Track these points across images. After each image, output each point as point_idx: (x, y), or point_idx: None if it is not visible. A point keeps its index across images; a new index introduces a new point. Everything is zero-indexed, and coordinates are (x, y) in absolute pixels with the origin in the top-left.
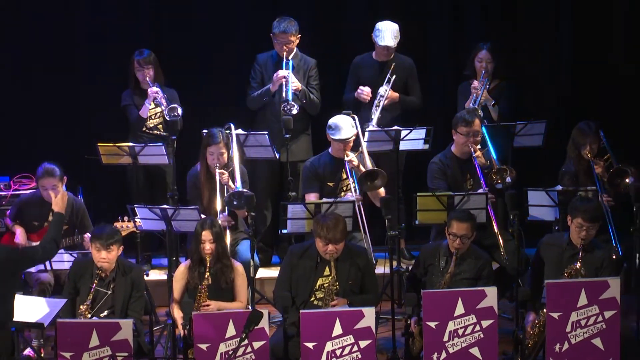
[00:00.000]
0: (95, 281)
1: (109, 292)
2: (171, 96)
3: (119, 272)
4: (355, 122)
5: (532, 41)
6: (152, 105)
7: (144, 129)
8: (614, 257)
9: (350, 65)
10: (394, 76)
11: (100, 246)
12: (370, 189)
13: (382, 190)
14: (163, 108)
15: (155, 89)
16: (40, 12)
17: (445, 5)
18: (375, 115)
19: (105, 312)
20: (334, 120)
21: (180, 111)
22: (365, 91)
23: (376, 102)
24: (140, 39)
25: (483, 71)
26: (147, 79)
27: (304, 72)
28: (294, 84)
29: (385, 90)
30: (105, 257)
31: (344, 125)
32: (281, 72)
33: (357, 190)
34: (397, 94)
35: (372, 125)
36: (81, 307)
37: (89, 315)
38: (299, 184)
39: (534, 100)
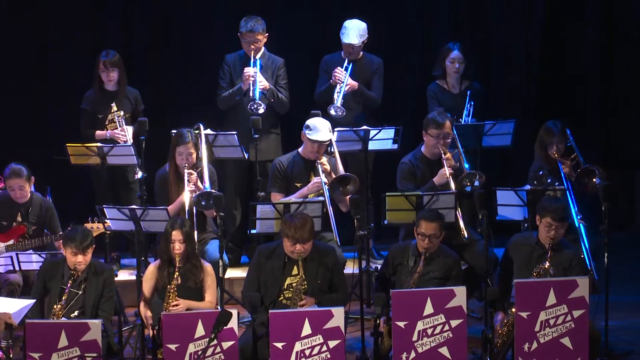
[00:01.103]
0: (70, 281)
1: (80, 292)
2: (134, 96)
3: (90, 272)
4: (331, 128)
5: (500, 41)
6: (115, 108)
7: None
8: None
9: (320, 64)
10: (351, 63)
11: (77, 250)
12: (342, 194)
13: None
14: (121, 141)
15: (121, 133)
16: (9, 11)
17: (415, 5)
18: (338, 100)
19: (76, 312)
20: (312, 121)
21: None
22: (337, 72)
23: (337, 87)
24: (110, 38)
25: (465, 113)
26: (111, 81)
27: (272, 72)
28: (262, 82)
29: (345, 76)
30: (82, 260)
31: (322, 128)
32: (248, 70)
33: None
34: (356, 83)
35: (337, 107)
36: (55, 306)
37: (61, 315)
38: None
39: (502, 100)
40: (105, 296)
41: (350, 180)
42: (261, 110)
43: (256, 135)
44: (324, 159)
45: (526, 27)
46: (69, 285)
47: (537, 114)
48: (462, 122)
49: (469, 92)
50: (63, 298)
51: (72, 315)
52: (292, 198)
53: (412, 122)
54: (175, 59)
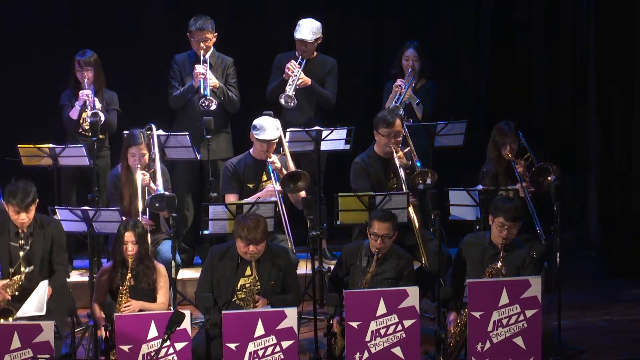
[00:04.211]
0: (21, 242)
1: (27, 247)
2: (110, 99)
3: (36, 227)
4: (279, 125)
5: (452, 40)
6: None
7: (80, 130)
8: (535, 255)
9: (273, 62)
10: (305, 60)
11: (19, 208)
12: (293, 190)
13: (302, 193)
14: (87, 111)
15: (86, 91)
16: None
17: (367, 5)
18: (290, 90)
19: (26, 269)
20: (259, 120)
21: (102, 118)
22: (291, 64)
23: (290, 80)
24: (60, 38)
25: (409, 69)
26: (86, 80)
27: (222, 71)
28: (211, 80)
29: (298, 70)
30: (25, 218)
31: (268, 127)
32: (198, 67)
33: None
34: (309, 79)
35: (287, 97)
36: (10, 270)
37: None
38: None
39: (454, 100)
40: (55, 251)
41: (301, 176)
42: (213, 107)
43: (208, 136)
44: (274, 158)
45: (476, 27)
46: (19, 243)
47: (488, 114)
48: (392, 105)
49: (411, 78)
50: (12, 260)
51: (22, 270)
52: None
53: (364, 123)
54: (123, 60)
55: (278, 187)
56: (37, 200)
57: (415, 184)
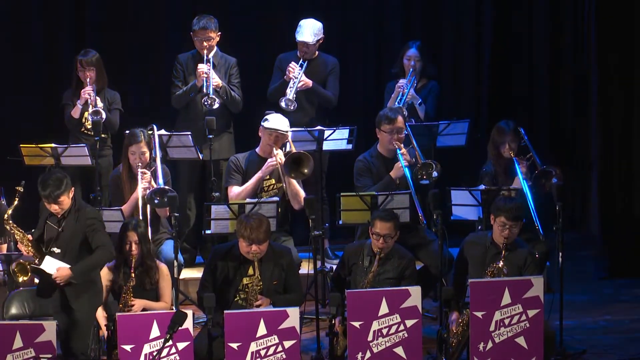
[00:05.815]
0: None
1: (60, 229)
2: (113, 98)
3: (72, 211)
4: (288, 124)
5: (453, 40)
6: (91, 108)
7: (82, 129)
8: (537, 255)
9: (274, 62)
10: (306, 62)
11: (48, 200)
12: (297, 176)
13: (301, 192)
14: (89, 110)
15: (88, 89)
16: None
17: (367, 4)
18: (290, 93)
19: (56, 250)
20: (271, 115)
21: (104, 115)
22: (291, 67)
23: (291, 83)
24: (62, 38)
25: (411, 69)
26: (88, 80)
27: (225, 70)
28: (214, 80)
29: (299, 72)
30: (58, 208)
31: (280, 119)
32: (202, 67)
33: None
34: (310, 82)
35: (287, 100)
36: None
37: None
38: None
39: (456, 100)
40: (89, 232)
41: (303, 159)
42: (216, 106)
43: (210, 136)
44: (279, 152)
45: (477, 27)
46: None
47: (490, 114)
48: (395, 106)
49: (413, 78)
50: (44, 231)
51: (52, 249)
52: (248, 184)
53: (365, 123)
54: (125, 60)
55: (279, 159)
56: (72, 189)
57: (418, 179)
